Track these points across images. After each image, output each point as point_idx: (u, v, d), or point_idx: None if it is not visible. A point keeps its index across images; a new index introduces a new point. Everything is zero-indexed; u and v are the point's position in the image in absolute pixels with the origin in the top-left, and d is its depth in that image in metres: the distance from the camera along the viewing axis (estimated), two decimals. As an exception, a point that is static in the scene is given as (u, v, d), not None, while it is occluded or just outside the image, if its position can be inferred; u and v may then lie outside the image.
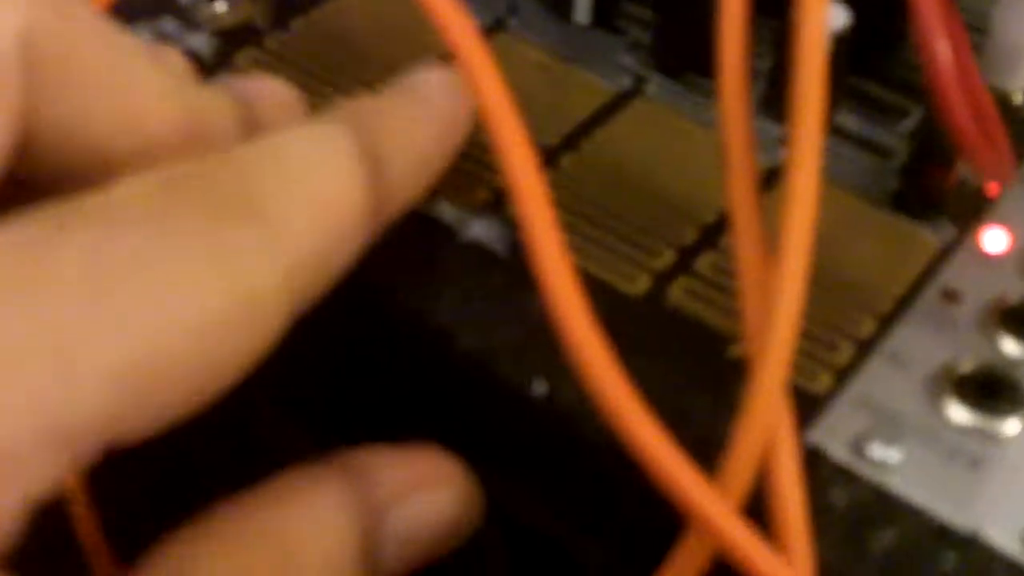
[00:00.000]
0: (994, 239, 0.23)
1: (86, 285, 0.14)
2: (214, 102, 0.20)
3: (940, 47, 0.20)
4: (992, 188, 0.23)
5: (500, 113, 0.20)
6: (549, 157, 0.24)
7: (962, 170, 0.24)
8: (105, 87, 0.18)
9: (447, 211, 0.23)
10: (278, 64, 0.25)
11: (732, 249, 0.20)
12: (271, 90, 0.21)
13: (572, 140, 0.24)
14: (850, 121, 0.25)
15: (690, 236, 0.23)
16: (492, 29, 0.27)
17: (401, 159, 0.20)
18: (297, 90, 0.22)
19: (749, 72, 0.21)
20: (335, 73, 0.25)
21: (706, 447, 0.18)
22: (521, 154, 0.20)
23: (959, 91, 0.21)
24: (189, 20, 0.26)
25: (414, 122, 0.20)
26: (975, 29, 0.26)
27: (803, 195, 0.19)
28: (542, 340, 0.19)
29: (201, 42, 0.26)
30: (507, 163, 0.20)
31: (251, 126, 0.20)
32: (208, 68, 0.25)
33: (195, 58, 0.25)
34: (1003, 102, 0.25)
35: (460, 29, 0.21)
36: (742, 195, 0.20)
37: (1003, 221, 0.23)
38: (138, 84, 0.18)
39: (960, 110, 0.21)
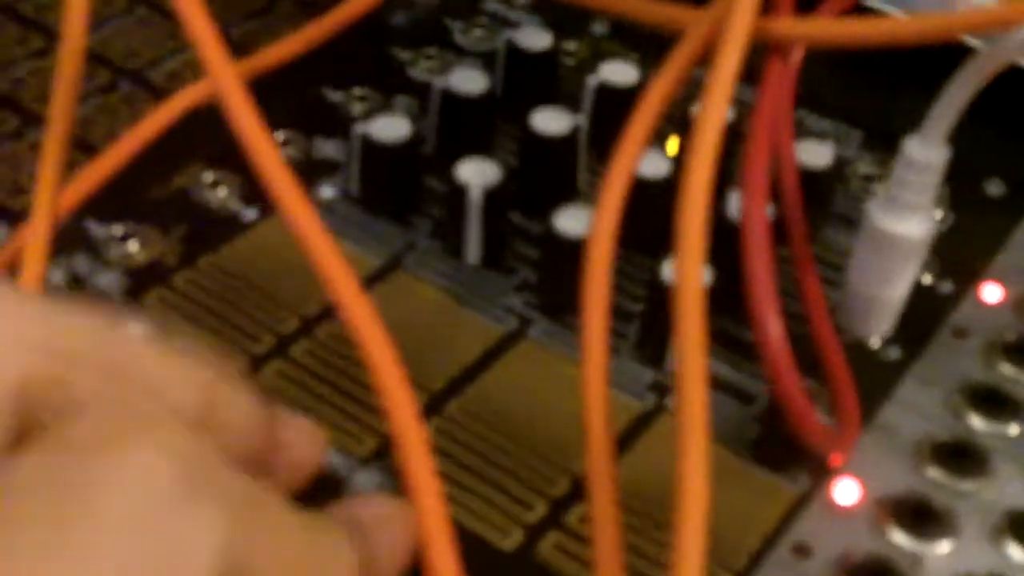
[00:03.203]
0: (845, 491, 0.25)
1: None
2: None
3: (772, 326, 0.22)
4: (835, 459, 0.25)
5: (384, 369, 0.21)
6: (435, 403, 0.26)
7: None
8: None
9: (337, 461, 0.24)
10: (184, 303, 0.27)
11: (588, 514, 0.21)
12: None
13: (458, 385, 0.26)
14: (713, 365, 0.27)
15: (563, 487, 0.24)
16: (389, 267, 0.28)
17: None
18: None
19: (608, 337, 0.22)
20: (240, 312, 0.27)
21: None
22: (403, 408, 0.21)
23: (790, 374, 0.22)
24: (101, 258, 0.28)
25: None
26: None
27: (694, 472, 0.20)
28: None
29: (111, 281, 0.27)
30: (390, 416, 0.21)
31: None
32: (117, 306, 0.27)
33: (105, 297, 0.27)
34: (860, 348, 0.27)
35: (343, 283, 0.22)
36: (596, 460, 0.21)
37: (855, 473, 0.25)
38: None
39: (791, 393, 0.22)
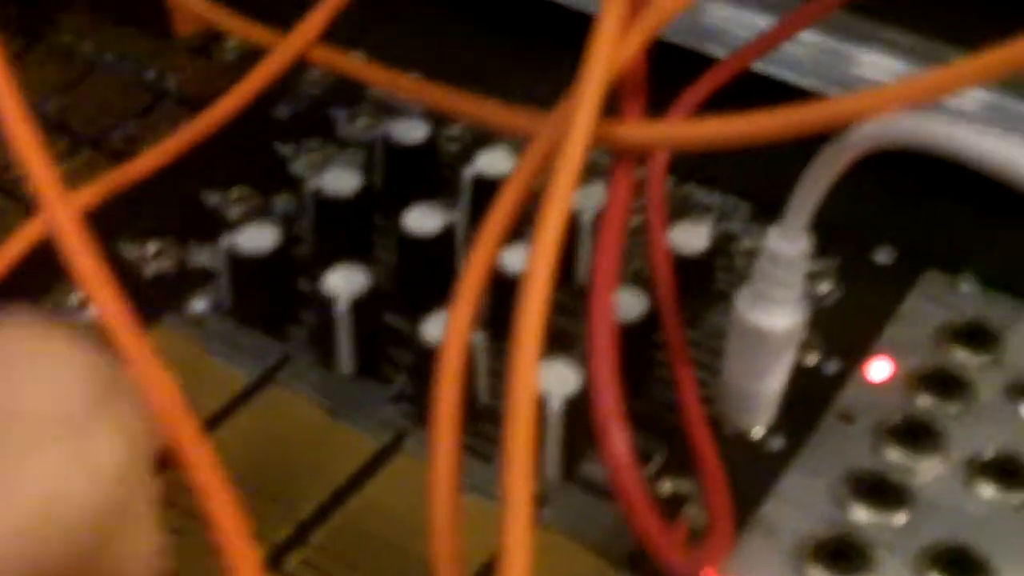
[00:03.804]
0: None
1: None
2: None
3: (617, 441, 0.22)
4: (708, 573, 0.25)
5: (224, 525, 0.21)
6: (302, 533, 0.25)
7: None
8: None
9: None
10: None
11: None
12: None
13: (327, 509, 0.25)
14: (596, 471, 0.27)
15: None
16: (261, 381, 0.28)
17: None
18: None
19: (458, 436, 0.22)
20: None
21: None
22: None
23: (636, 490, 0.22)
24: None
25: None
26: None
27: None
28: None
29: None
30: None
31: None
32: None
33: None
34: (742, 440, 0.27)
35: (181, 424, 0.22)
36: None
37: (737, 573, 0.25)
38: None
39: (636, 517, 0.22)
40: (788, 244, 0.25)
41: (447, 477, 0.21)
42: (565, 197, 0.22)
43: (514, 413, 0.21)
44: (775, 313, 0.25)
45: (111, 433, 0.20)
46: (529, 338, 0.22)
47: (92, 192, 0.28)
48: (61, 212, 0.23)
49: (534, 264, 0.22)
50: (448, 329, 0.23)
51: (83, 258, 0.22)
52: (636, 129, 0.24)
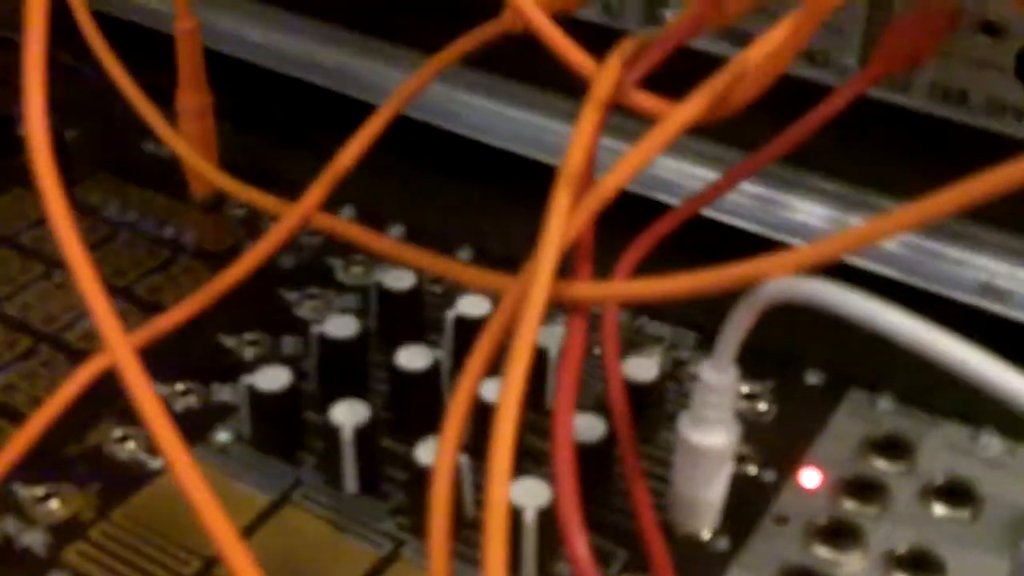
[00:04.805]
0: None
1: None
2: None
3: (578, 543, 0.26)
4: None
5: None
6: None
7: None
8: None
9: None
10: (101, 555, 0.31)
11: None
12: None
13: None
14: (567, 573, 0.31)
15: None
16: (279, 502, 0.33)
17: None
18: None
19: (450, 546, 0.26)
20: (148, 558, 0.31)
21: None
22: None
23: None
24: (28, 518, 0.32)
25: None
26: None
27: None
28: None
29: (36, 539, 0.31)
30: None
31: None
32: (42, 565, 0.31)
33: (30, 556, 0.31)
34: (691, 541, 0.32)
35: (223, 532, 0.26)
36: None
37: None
38: None
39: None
40: (718, 375, 0.29)
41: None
42: (529, 339, 0.27)
43: (490, 523, 0.25)
44: (712, 433, 0.30)
45: None
46: (501, 457, 0.26)
47: (140, 336, 0.33)
48: (122, 350, 0.28)
49: (504, 394, 0.27)
50: (438, 452, 0.28)
51: (142, 391, 0.27)
52: (586, 288, 0.29)
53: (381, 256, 0.37)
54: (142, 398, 0.27)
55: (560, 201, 0.29)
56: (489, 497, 0.26)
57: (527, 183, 0.33)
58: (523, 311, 0.28)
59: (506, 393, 0.27)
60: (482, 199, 0.43)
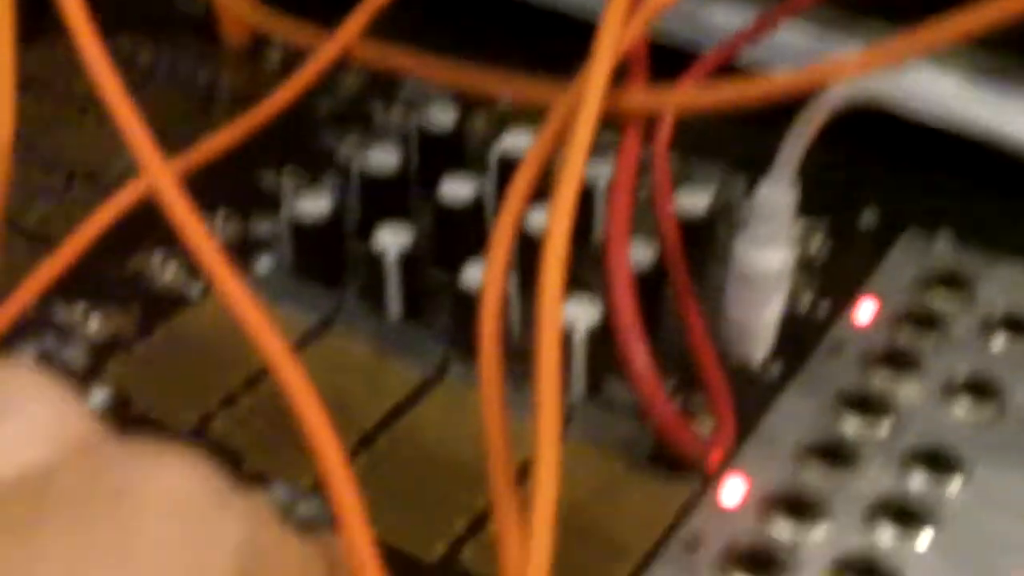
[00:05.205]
0: (731, 490, 0.28)
1: None
2: None
3: (637, 351, 0.26)
4: (711, 464, 0.28)
5: (311, 420, 0.25)
6: (367, 440, 0.29)
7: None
8: None
9: (282, 491, 0.28)
10: (142, 371, 0.30)
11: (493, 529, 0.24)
12: None
13: (386, 423, 0.29)
14: (616, 392, 0.30)
15: (482, 503, 0.27)
16: (321, 327, 0.32)
17: None
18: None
19: (501, 360, 0.26)
20: (191, 375, 0.30)
21: None
22: (329, 452, 0.24)
23: (658, 396, 0.26)
24: (67, 336, 0.31)
25: None
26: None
27: (546, 468, 0.24)
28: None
29: (76, 355, 0.31)
30: (318, 458, 0.24)
31: None
32: (81, 378, 0.30)
33: (69, 371, 0.30)
34: (743, 370, 0.31)
35: (273, 346, 0.25)
36: (499, 481, 0.24)
37: (741, 470, 0.28)
38: None
39: (658, 412, 0.26)
40: (776, 194, 0.29)
41: (495, 386, 0.25)
42: (585, 141, 0.26)
43: (543, 338, 0.24)
44: (768, 255, 0.29)
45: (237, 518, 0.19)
46: (555, 269, 0.25)
47: (179, 164, 0.32)
48: (162, 173, 0.27)
49: (557, 204, 0.26)
50: (487, 269, 0.27)
51: (183, 209, 0.26)
52: (643, 96, 0.28)
53: (426, 76, 0.36)
54: (183, 217, 0.26)
55: (615, 9, 0.28)
56: (542, 312, 0.25)
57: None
58: (578, 116, 0.27)
59: (559, 198, 0.26)
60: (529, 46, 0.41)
